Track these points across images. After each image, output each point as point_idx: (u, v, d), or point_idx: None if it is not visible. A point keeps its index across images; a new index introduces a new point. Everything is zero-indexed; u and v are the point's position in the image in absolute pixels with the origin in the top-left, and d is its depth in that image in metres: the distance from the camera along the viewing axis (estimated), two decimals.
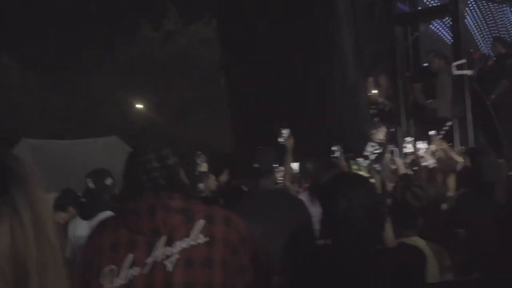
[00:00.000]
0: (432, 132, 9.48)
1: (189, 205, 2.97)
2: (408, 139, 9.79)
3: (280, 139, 7.49)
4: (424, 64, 12.35)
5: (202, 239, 2.90)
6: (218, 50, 15.27)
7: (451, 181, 7.46)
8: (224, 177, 8.25)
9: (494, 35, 14.67)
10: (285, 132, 7.53)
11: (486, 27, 15.73)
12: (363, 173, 8.32)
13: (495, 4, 15.24)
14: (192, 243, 2.89)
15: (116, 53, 24.87)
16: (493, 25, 15.84)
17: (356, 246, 3.08)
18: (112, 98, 21.60)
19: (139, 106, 21.42)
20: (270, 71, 11.41)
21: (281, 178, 7.28)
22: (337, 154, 8.88)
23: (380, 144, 9.43)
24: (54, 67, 22.37)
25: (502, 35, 14.81)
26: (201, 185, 6.97)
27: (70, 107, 22.23)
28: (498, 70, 11.40)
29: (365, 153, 9.57)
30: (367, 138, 9.98)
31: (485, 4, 15.13)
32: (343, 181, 3.31)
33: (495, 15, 15.84)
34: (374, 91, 12.10)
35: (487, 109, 10.75)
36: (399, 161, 8.99)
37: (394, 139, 10.88)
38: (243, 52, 12.02)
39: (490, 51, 13.18)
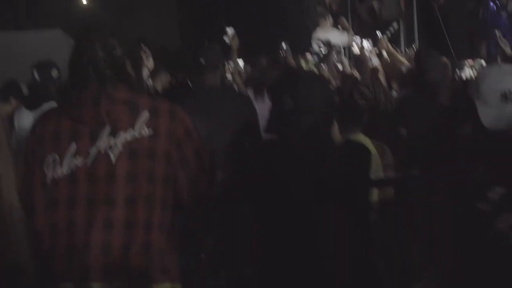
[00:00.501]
0: (378, 33, 9.52)
1: (134, 97, 2.95)
2: (354, 38, 9.83)
3: (225, 38, 7.44)
4: None
5: (146, 131, 2.91)
6: None
7: (395, 81, 7.55)
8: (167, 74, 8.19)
9: None
10: (230, 31, 7.48)
11: None
12: (312, 69, 8.38)
13: None
14: (136, 135, 2.90)
15: None
16: None
17: (303, 142, 3.10)
18: None
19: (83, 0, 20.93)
20: None
21: (228, 75, 7.29)
22: (284, 50, 8.88)
23: (327, 43, 9.46)
24: None
25: None
26: (149, 81, 6.89)
27: None
28: None
29: (312, 51, 9.61)
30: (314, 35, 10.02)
31: None
32: (293, 78, 3.30)
33: None
34: None
35: (434, 12, 10.79)
36: (345, 60, 9.05)
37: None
38: None
39: None
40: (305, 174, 3.08)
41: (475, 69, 8.58)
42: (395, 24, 10.82)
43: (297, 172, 3.10)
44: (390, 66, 8.36)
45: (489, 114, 3.27)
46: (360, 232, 3.20)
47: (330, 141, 3.27)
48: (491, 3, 11.45)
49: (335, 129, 3.43)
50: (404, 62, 8.16)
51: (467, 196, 3.17)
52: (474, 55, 9.95)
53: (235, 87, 7.07)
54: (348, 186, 3.13)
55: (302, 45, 10.21)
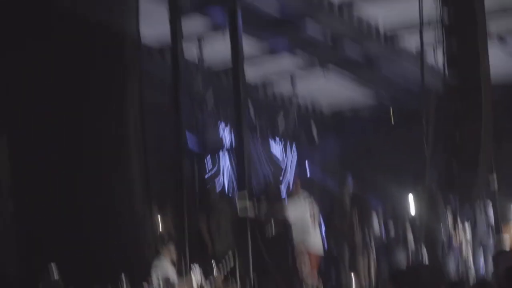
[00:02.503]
0: (213, 266, 9.76)
1: None
2: (192, 269, 10.01)
3: None
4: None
5: None
6: None
7: None
8: None
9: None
10: None
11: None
12: None
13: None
14: None
15: None
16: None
17: None
18: None
19: None
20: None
21: None
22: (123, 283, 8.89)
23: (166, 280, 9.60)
24: None
25: None
26: None
27: None
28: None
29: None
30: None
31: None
32: None
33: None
34: (161, 224, 12.33)
35: (260, 244, 11.11)
36: None
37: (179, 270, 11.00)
38: None
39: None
40: None
41: None
42: (230, 257, 11.05)
43: None
44: None
45: None
46: None
47: None
48: None
49: None
50: None
51: None
52: None
53: None
54: None
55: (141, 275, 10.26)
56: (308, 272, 11.70)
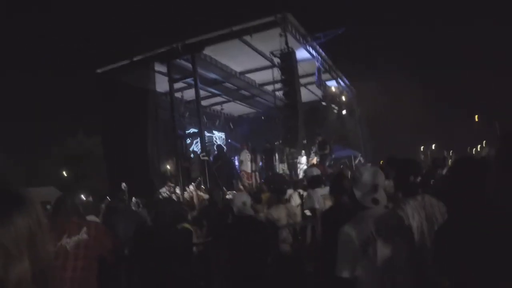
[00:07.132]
0: (192, 184, 9.65)
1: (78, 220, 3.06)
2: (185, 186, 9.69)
3: None
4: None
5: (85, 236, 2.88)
6: None
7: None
8: None
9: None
10: None
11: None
12: None
13: None
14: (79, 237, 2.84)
15: None
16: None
17: None
18: None
19: None
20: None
21: None
22: None
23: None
24: None
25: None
26: None
27: None
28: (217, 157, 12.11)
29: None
30: None
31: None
32: None
33: None
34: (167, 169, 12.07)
35: (214, 172, 11.00)
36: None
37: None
38: None
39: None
40: None
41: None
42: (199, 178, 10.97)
43: None
44: (197, 200, 8.47)
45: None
46: None
47: None
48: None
49: None
50: (205, 196, 8.35)
51: None
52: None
53: None
54: None
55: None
56: (246, 180, 11.98)
